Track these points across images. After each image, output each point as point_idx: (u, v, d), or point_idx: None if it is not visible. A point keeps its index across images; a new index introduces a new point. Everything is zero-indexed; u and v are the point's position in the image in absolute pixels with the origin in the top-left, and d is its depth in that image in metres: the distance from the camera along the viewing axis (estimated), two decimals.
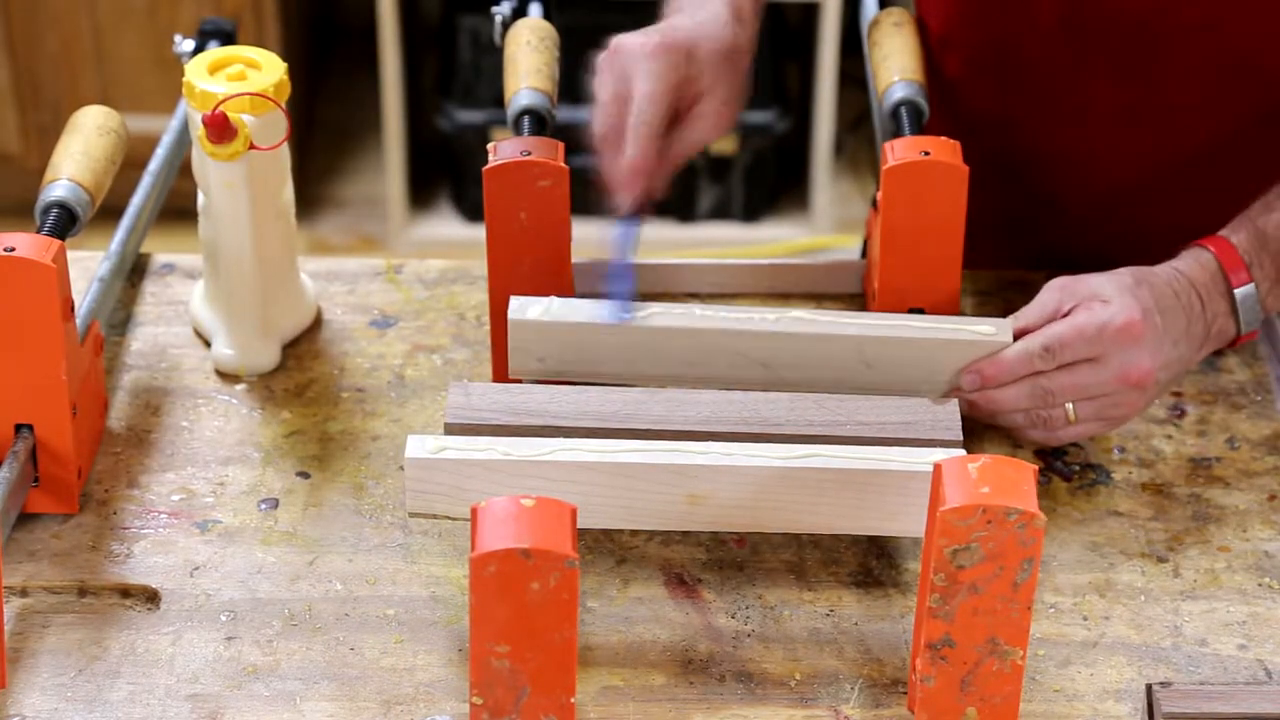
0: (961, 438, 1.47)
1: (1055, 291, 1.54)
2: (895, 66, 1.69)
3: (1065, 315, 1.52)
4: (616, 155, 1.52)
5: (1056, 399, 1.52)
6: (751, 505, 1.42)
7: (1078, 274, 1.55)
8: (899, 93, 1.66)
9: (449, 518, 1.42)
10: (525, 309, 1.54)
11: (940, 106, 1.73)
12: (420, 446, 1.41)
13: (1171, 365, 1.53)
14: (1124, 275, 1.53)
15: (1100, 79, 1.68)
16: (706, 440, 1.44)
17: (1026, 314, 1.55)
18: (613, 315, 1.54)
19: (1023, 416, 1.54)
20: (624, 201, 1.53)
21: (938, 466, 1.29)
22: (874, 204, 1.62)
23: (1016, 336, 1.53)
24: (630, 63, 1.53)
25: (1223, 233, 1.56)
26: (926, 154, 1.56)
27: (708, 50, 1.55)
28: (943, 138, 1.58)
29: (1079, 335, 1.50)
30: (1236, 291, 1.54)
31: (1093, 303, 1.51)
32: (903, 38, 1.71)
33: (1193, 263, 1.55)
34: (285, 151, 1.62)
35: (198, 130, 1.56)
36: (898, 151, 1.58)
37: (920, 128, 1.64)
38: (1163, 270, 1.55)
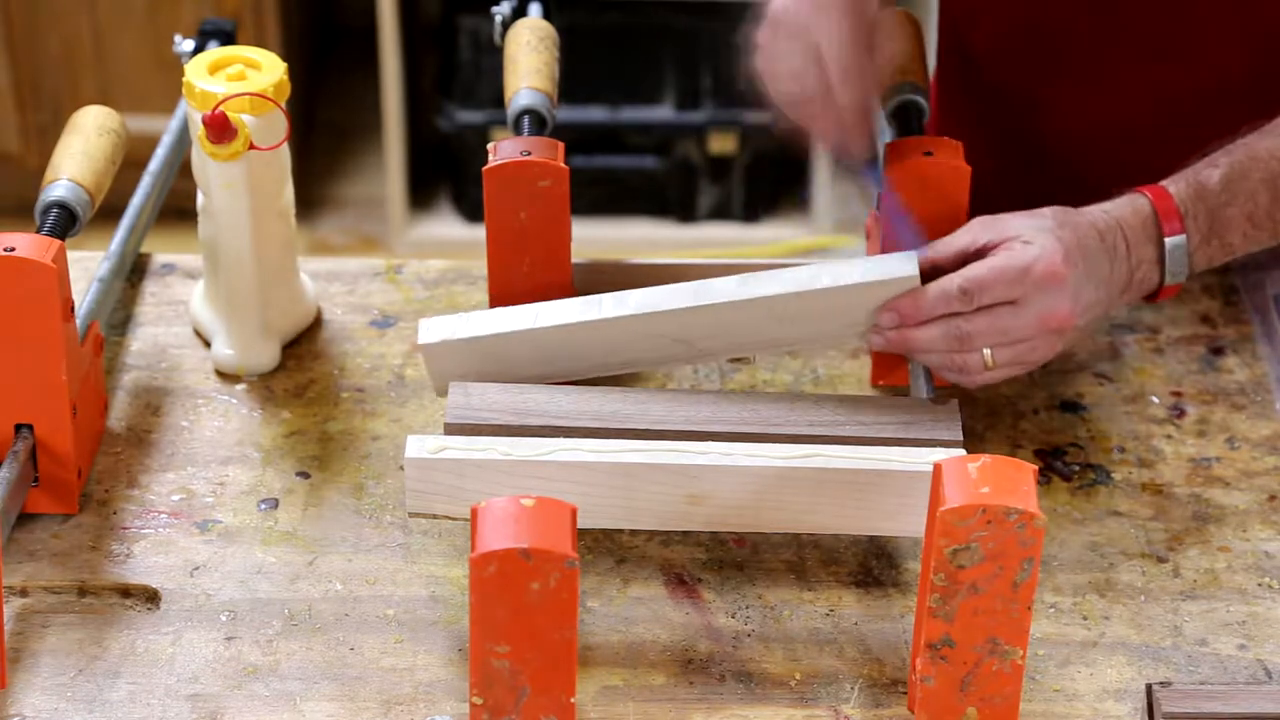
0: (961, 438, 1.47)
1: (974, 228, 1.51)
2: (896, 67, 1.69)
3: (983, 254, 1.49)
4: (830, 111, 1.51)
5: (974, 342, 1.49)
6: (752, 505, 1.42)
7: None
8: (901, 93, 1.66)
9: (449, 518, 1.43)
10: (432, 331, 1.53)
11: (963, 86, 1.71)
12: (420, 446, 1.41)
13: (1091, 308, 1.50)
14: (1046, 216, 1.50)
15: (1132, 58, 1.66)
16: (707, 440, 1.44)
17: (941, 246, 1.51)
18: (908, 252, 1.52)
19: (938, 358, 1.51)
20: (858, 149, 1.52)
21: (938, 466, 1.29)
22: (877, 205, 1.62)
23: (926, 271, 1.50)
24: (801, 22, 1.51)
25: (1163, 182, 1.53)
26: (929, 154, 1.56)
27: None
28: (945, 138, 1.58)
29: (999, 277, 1.47)
30: (1167, 240, 1.51)
31: (1013, 243, 1.48)
32: (904, 38, 1.71)
33: (1126, 206, 1.52)
34: (285, 152, 1.62)
35: (198, 130, 1.56)
36: (900, 152, 1.58)
37: (922, 128, 1.64)
38: (1090, 211, 1.52)
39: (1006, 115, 1.68)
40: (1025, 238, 1.48)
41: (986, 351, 1.49)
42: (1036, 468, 1.29)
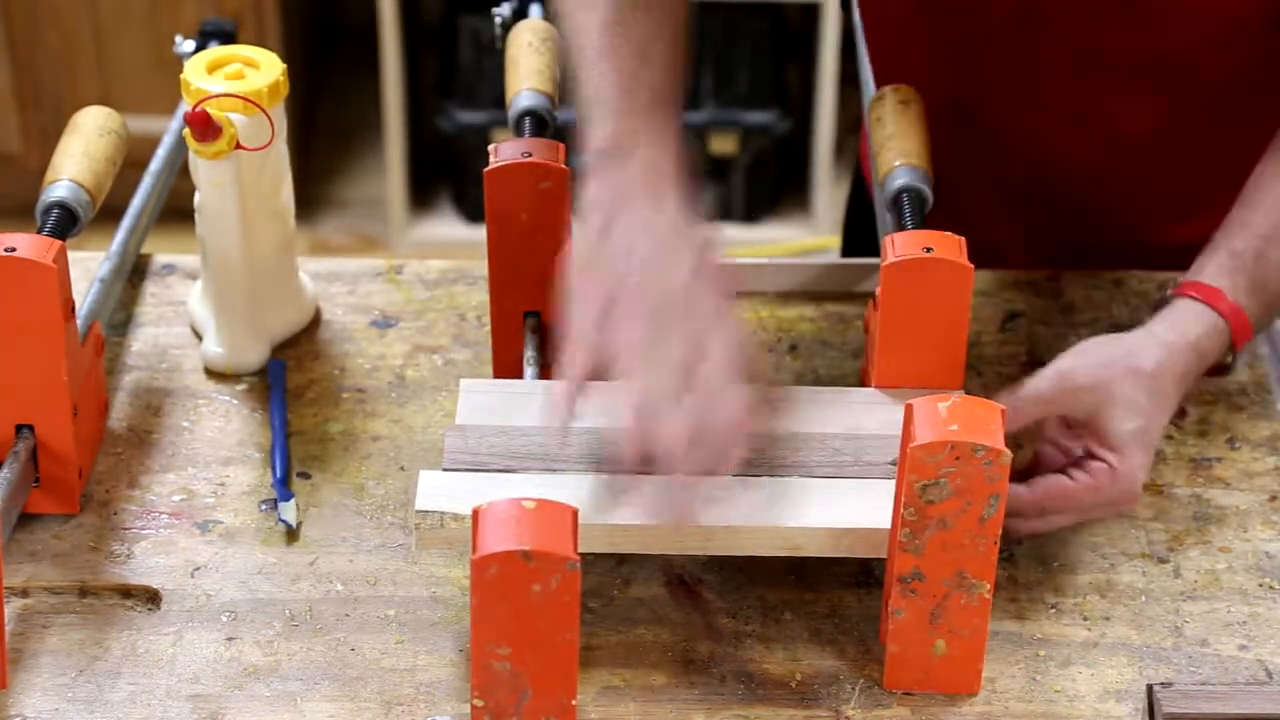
0: None
1: (1060, 387, 1.46)
2: (899, 149, 1.60)
3: (1069, 429, 1.45)
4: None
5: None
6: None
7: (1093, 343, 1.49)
8: (901, 178, 1.57)
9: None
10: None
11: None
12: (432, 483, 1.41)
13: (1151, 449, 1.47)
14: (1139, 390, 1.44)
15: (1058, 67, 1.66)
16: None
17: (1023, 402, 1.46)
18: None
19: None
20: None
21: (909, 406, 1.31)
22: (873, 298, 1.56)
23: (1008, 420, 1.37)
24: None
25: (1208, 277, 1.50)
26: (929, 250, 1.47)
27: None
28: (946, 233, 1.49)
29: (1070, 501, 1.44)
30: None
31: (1099, 454, 1.43)
32: (909, 118, 1.63)
33: (1211, 331, 1.49)
34: (283, 153, 1.61)
35: (184, 128, 1.56)
36: (899, 247, 1.48)
37: (923, 218, 1.55)
38: (1180, 357, 1.47)
39: (948, 126, 1.66)
40: (1113, 442, 1.43)
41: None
42: (1005, 408, 1.31)
